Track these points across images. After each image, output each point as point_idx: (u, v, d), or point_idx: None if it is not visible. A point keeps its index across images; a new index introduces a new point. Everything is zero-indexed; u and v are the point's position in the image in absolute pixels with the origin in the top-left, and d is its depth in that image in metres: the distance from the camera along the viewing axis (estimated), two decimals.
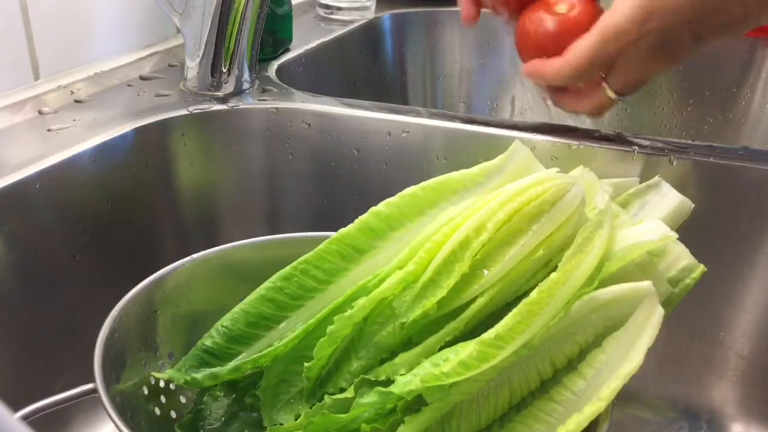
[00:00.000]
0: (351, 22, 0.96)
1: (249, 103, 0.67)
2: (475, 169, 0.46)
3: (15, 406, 0.29)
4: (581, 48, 0.52)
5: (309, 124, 0.66)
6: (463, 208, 0.43)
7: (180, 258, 0.49)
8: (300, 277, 0.45)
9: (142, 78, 0.72)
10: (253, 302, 0.45)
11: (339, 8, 0.97)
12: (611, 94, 0.54)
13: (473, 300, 0.41)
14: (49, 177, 0.54)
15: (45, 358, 0.56)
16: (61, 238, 0.56)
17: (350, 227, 0.45)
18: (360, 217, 0.45)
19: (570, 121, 0.72)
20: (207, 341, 0.45)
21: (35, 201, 0.54)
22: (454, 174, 0.45)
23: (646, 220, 0.45)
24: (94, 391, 0.39)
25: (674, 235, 0.43)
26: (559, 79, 0.55)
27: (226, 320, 0.45)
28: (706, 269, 0.44)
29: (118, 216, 0.60)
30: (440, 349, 0.41)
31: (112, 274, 0.60)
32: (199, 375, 0.44)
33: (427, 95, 1.04)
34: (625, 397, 0.40)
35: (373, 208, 0.45)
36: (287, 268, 0.45)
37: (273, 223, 0.70)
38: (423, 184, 0.45)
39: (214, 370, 0.44)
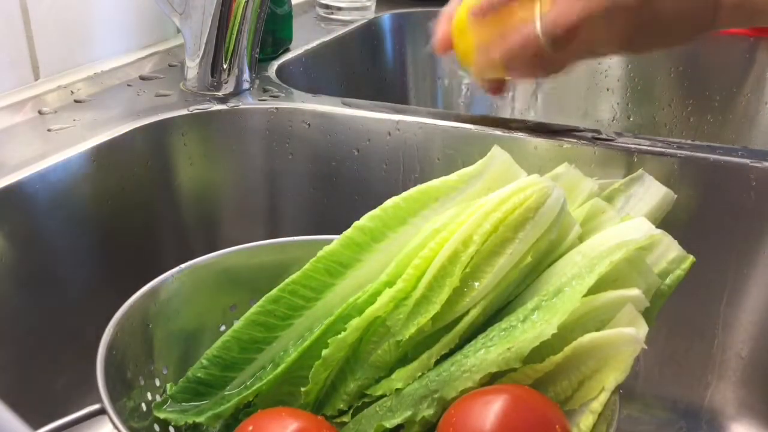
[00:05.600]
0: (351, 22, 0.96)
1: (249, 103, 0.67)
2: (454, 176, 0.46)
3: (15, 406, 0.29)
4: None
5: (309, 124, 0.66)
6: (447, 218, 0.43)
7: (180, 258, 0.49)
8: (289, 298, 0.45)
9: (142, 78, 0.72)
10: (243, 328, 0.45)
11: (339, 8, 0.97)
12: (539, 29, 0.50)
13: (466, 312, 0.41)
14: (49, 177, 0.54)
15: (45, 358, 0.56)
16: (61, 238, 0.56)
17: (335, 244, 0.45)
18: (344, 233, 0.45)
19: (570, 120, 0.72)
20: (199, 373, 0.45)
21: (35, 201, 0.54)
22: (434, 182, 0.45)
23: (632, 214, 0.46)
24: (102, 411, 0.39)
25: (659, 232, 0.43)
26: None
27: (217, 349, 0.45)
28: (695, 260, 0.44)
29: (118, 216, 0.60)
30: (436, 362, 0.41)
31: (112, 274, 0.60)
32: (202, 417, 0.44)
33: (427, 95, 1.04)
34: (625, 397, 0.40)
35: (356, 223, 0.45)
36: (275, 291, 0.45)
37: (273, 223, 0.70)
38: (404, 194, 0.45)
39: (216, 410, 0.44)
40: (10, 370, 0.53)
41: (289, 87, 0.72)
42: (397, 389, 0.41)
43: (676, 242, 0.44)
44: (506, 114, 1.03)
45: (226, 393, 0.45)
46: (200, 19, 0.66)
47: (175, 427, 0.45)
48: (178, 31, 0.69)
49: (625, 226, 0.43)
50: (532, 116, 1.00)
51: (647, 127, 0.97)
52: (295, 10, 0.87)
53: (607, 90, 0.98)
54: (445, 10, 0.59)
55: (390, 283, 0.43)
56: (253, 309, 0.45)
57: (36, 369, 0.55)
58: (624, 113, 0.98)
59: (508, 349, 0.38)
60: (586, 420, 0.38)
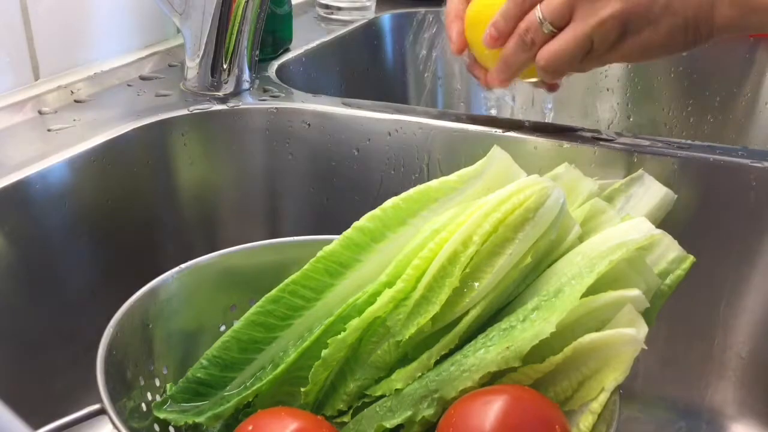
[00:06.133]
0: (351, 22, 0.96)
1: (249, 103, 0.67)
2: (453, 176, 0.46)
3: (14, 407, 0.29)
4: None
5: (309, 124, 0.66)
6: (446, 219, 0.43)
7: (180, 258, 0.49)
8: (288, 298, 0.45)
9: (142, 78, 0.72)
10: (243, 328, 0.45)
11: (339, 8, 0.97)
12: (539, 14, 0.53)
13: (466, 312, 0.41)
14: (49, 177, 0.54)
15: (44, 358, 0.56)
16: (61, 238, 0.56)
17: (334, 244, 0.45)
18: (344, 233, 0.45)
19: (570, 120, 0.72)
20: (199, 373, 0.45)
21: (35, 201, 0.54)
22: (434, 182, 0.46)
23: (632, 214, 0.46)
24: (102, 411, 0.39)
25: (659, 232, 0.43)
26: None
27: (216, 349, 0.45)
28: (695, 260, 0.44)
29: (118, 216, 0.60)
30: (436, 362, 0.41)
31: (112, 275, 0.60)
32: (202, 418, 0.44)
33: (427, 95, 1.04)
34: (625, 397, 0.40)
35: (356, 223, 0.45)
36: (275, 291, 0.45)
37: (273, 223, 0.70)
38: (404, 195, 0.45)
39: (216, 411, 0.44)
40: (10, 370, 0.53)
41: (289, 87, 0.72)
42: (397, 389, 0.41)
43: (676, 242, 0.44)
44: (506, 114, 1.03)
45: (225, 393, 0.45)
46: (200, 19, 0.66)
47: (175, 427, 0.45)
48: (178, 31, 0.69)
49: (625, 226, 0.43)
50: (532, 116, 1.00)
51: (647, 127, 0.97)
52: (295, 10, 0.87)
53: (607, 90, 0.98)
54: (450, 9, 0.60)
55: (390, 284, 0.43)
56: (253, 309, 0.45)
57: (36, 369, 0.55)
58: (624, 113, 0.98)
59: (508, 348, 0.38)
60: (586, 420, 0.38)
